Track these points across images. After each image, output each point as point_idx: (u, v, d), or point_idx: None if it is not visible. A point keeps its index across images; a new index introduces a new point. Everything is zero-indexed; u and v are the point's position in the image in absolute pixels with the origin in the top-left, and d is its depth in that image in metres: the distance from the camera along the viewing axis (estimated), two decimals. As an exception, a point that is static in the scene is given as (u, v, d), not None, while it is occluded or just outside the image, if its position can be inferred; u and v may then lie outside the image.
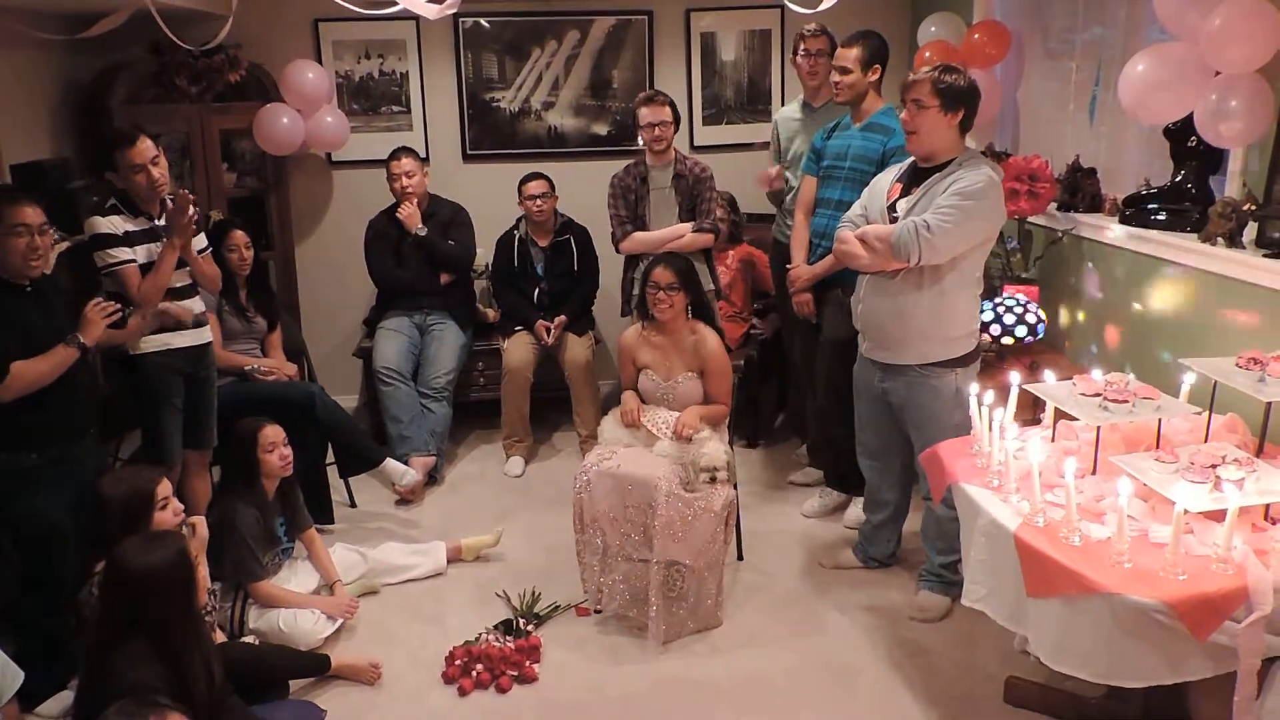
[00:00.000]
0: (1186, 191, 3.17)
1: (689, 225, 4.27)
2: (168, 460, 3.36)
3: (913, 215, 2.96)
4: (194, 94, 4.56)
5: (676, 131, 4.23)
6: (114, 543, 2.42)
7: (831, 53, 3.98)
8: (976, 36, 4.20)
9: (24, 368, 2.75)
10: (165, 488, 2.83)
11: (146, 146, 3.25)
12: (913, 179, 3.06)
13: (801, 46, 4.08)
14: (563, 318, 4.65)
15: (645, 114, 4.18)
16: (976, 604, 2.49)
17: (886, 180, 3.18)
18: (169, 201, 3.38)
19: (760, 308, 4.91)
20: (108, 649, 2.29)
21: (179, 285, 3.38)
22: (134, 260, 3.23)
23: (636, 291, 4.45)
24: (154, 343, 3.33)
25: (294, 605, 3.24)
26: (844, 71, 3.64)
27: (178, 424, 3.41)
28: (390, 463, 4.11)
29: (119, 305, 3.05)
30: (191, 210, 3.28)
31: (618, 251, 4.44)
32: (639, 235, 4.34)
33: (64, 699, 2.88)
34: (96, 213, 3.26)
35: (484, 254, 4.91)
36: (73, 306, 2.99)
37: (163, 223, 3.34)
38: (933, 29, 4.48)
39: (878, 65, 3.66)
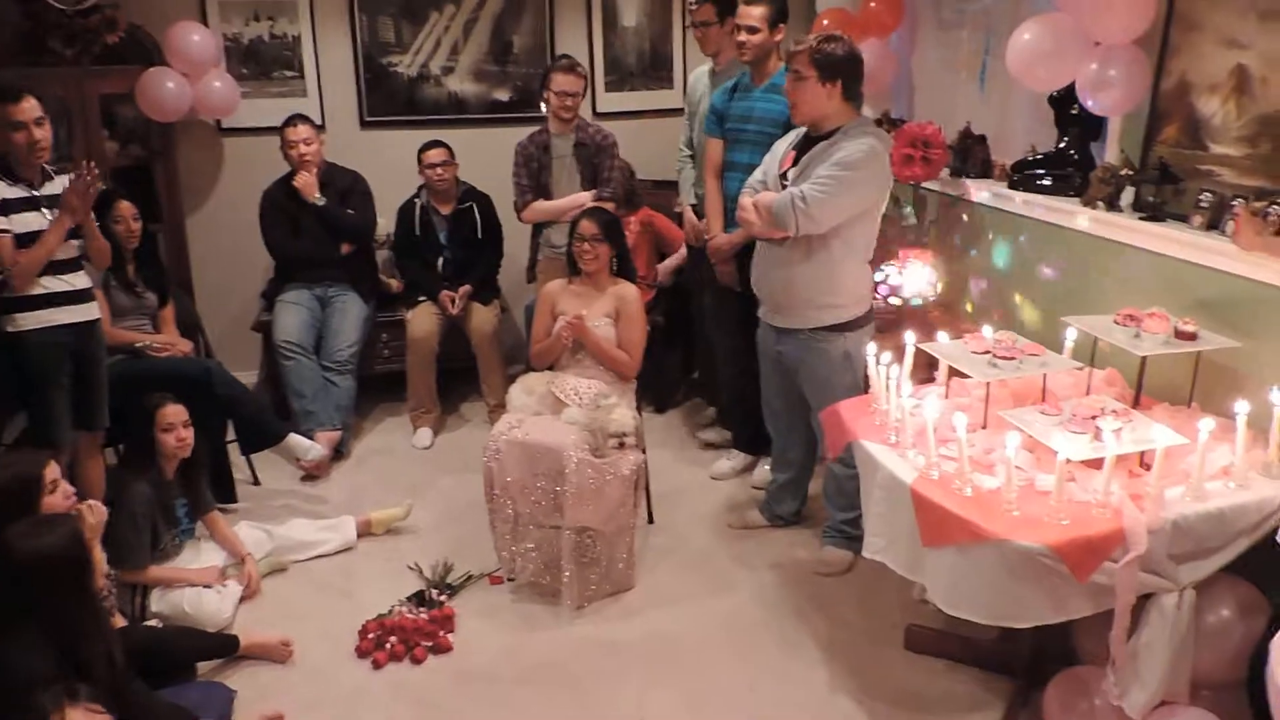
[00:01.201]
0: (1069, 158, 3.30)
1: (590, 194, 4.28)
2: (56, 442, 3.22)
3: (796, 184, 3.03)
4: (69, 56, 4.33)
5: (582, 100, 4.21)
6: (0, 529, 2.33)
7: (719, 21, 4.01)
8: (873, 4, 4.27)
9: None
10: (53, 470, 2.71)
11: (31, 105, 3.09)
12: (803, 147, 3.12)
13: (689, 19, 4.09)
14: (467, 287, 4.61)
15: (561, 81, 4.16)
16: (876, 555, 2.58)
17: (783, 147, 3.24)
18: (49, 170, 3.22)
19: (669, 284, 4.90)
20: (-1, 638, 2.22)
21: (64, 258, 3.22)
22: (9, 231, 3.07)
23: (541, 257, 4.46)
24: (37, 319, 3.18)
25: (175, 582, 3.18)
26: (751, 31, 3.65)
27: (66, 404, 3.27)
28: (294, 437, 4.04)
29: None
30: (92, 190, 3.14)
31: (520, 220, 4.42)
32: (540, 204, 4.34)
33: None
34: None
35: (385, 223, 4.82)
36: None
37: (42, 192, 3.18)
38: (832, -4, 4.53)
39: (782, 24, 3.70)
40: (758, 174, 3.28)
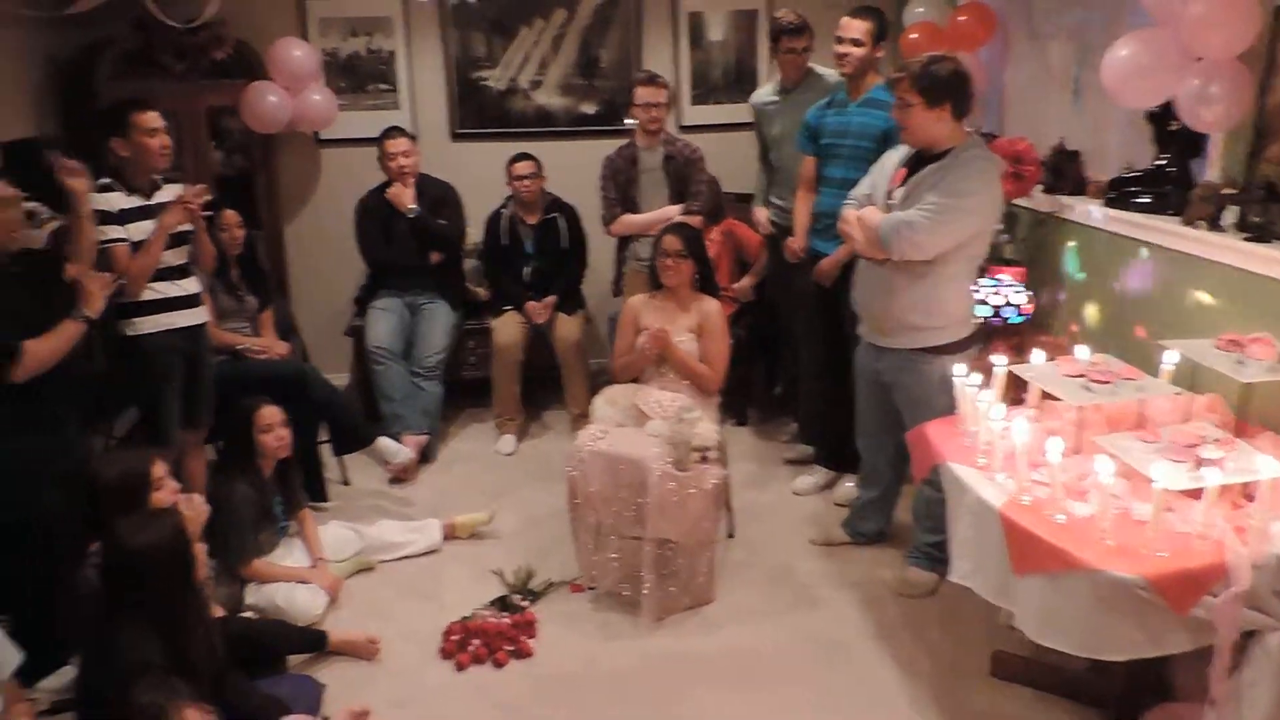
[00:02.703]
0: (1168, 175, 3.21)
1: (678, 208, 4.31)
2: (166, 440, 3.37)
3: (903, 206, 2.99)
4: (180, 71, 4.54)
5: (669, 114, 4.25)
6: (109, 524, 2.44)
7: (810, 42, 4.01)
8: (962, 18, 4.23)
9: (35, 346, 2.75)
10: (160, 468, 2.83)
11: (156, 114, 3.26)
12: (914, 166, 3.08)
13: (784, 43, 4.07)
14: (552, 297, 4.68)
15: (643, 94, 4.21)
16: (963, 580, 2.55)
17: (892, 162, 3.19)
18: (158, 180, 3.37)
19: (753, 300, 4.90)
20: (109, 627, 2.32)
21: (175, 264, 3.38)
22: (125, 240, 3.22)
23: (626, 270, 4.50)
24: (153, 323, 3.33)
25: (282, 579, 3.29)
26: (855, 44, 3.63)
27: (175, 404, 3.42)
28: (383, 441, 4.14)
29: (116, 275, 3.05)
30: (200, 202, 3.33)
31: (608, 233, 4.47)
32: (628, 217, 4.39)
33: (64, 674, 2.90)
34: (91, 189, 3.24)
35: (473, 233, 4.92)
36: (59, 281, 2.98)
37: (154, 201, 3.33)
38: (919, 10, 4.50)
39: (884, 41, 3.68)
40: (864, 186, 3.24)
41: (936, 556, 3.33)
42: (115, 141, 3.23)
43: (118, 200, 3.22)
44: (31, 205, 3.37)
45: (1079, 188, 3.69)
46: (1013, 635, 2.87)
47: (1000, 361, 2.78)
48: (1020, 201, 3.88)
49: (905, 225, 2.92)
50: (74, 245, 3.03)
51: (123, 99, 3.39)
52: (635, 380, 3.67)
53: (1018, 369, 2.79)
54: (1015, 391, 3.01)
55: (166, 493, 2.81)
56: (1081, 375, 2.64)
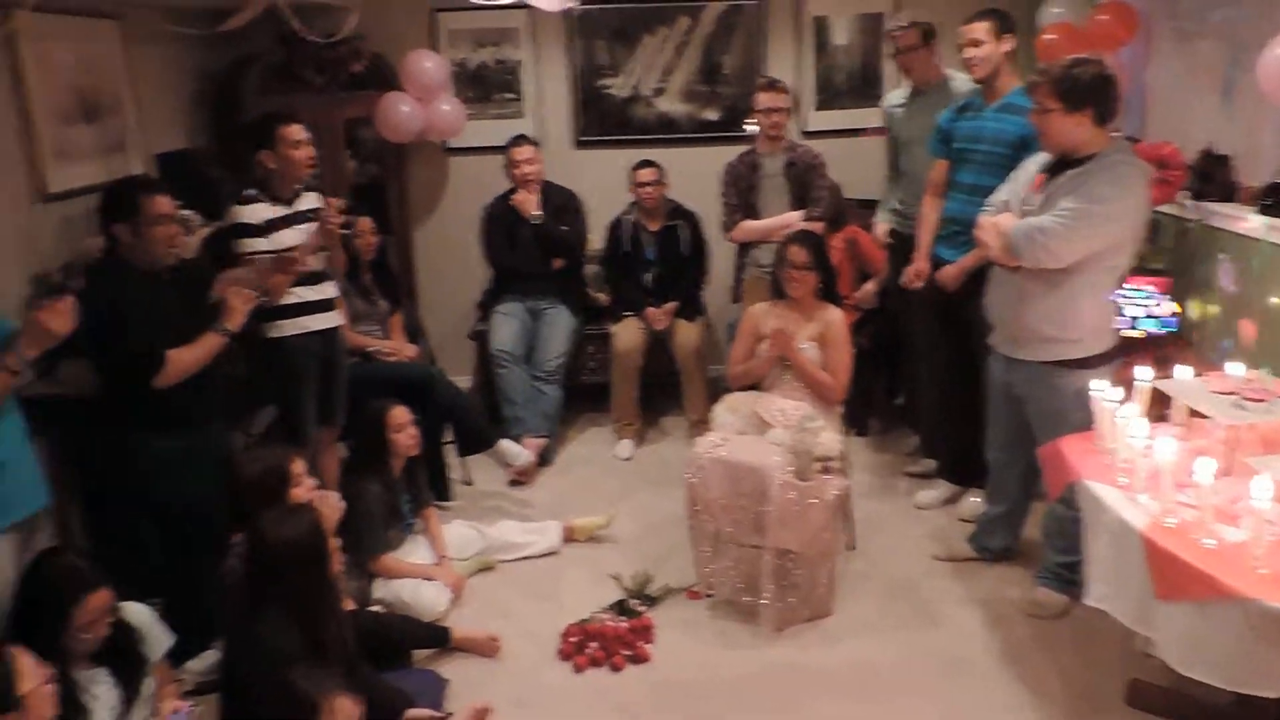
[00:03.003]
0: (1332, 181, 3.03)
1: (798, 214, 4.27)
2: (304, 438, 3.52)
3: (1040, 212, 2.89)
4: (320, 84, 4.74)
5: (791, 119, 4.22)
6: (252, 517, 2.55)
7: (924, 44, 3.93)
8: (1102, 18, 4.06)
9: (178, 355, 2.89)
10: (299, 465, 2.95)
11: (301, 127, 3.41)
12: (1053, 171, 2.97)
13: (892, 45, 4.01)
14: (673, 304, 4.70)
15: (764, 99, 4.19)
16: (1100, 603, 2.45)
17: (1033, 167, 3.08)
18: (299, 190, 3.52)
19: (874, 308, 4.82)
20: (250, 616, 2.43)
21: (314, 269, 3.52)
22: (269, 251, 3.36)
23: (746, 277, 4.48)
24: (293, 326, 3.47)
25: (411, 576, 3.38)
26: (976, 44, 3.53)
27: (313, 403, 3.57)
28: (505, 443, 4.23)
29: (258, 294, 3.20)
30: (339, 221, 3.49)
31: (728, 240, 4.46)
32: (748, 224, 4.37)
33: (208, 658, 3.06)
34: (238, 201, 3.41)
35: (595, 239, 4.98)
36: (206, 290, 3.14)
37: (295, 209, 3.47)
38: (1055, 10, 4.34)
39: (1010, 35, 3.54)
40: (1002, 193, 3.14)
41: (1067, 578, 3.20)
42: (263, 154, 3.38)
43: (263, 211, 3.37)
44: (185, 214, 3.58)
45: (1229, 194, 3.51)
46: (1150, 663, 2.75)
47: (1143, 376, 2.65)
48: (1164, 208, 3.71)
49: (1038, 231, 2.81)
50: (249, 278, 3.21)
51: (269, 113, 3.55)
52: (755, 388, 3.65)
53: (1162, 384, 2.66)
54: (1158, 408, 2.87)
55: (304, 489, 2.93)
56: (1234, 392, 2.50)
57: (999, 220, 2.98)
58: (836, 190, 4.80)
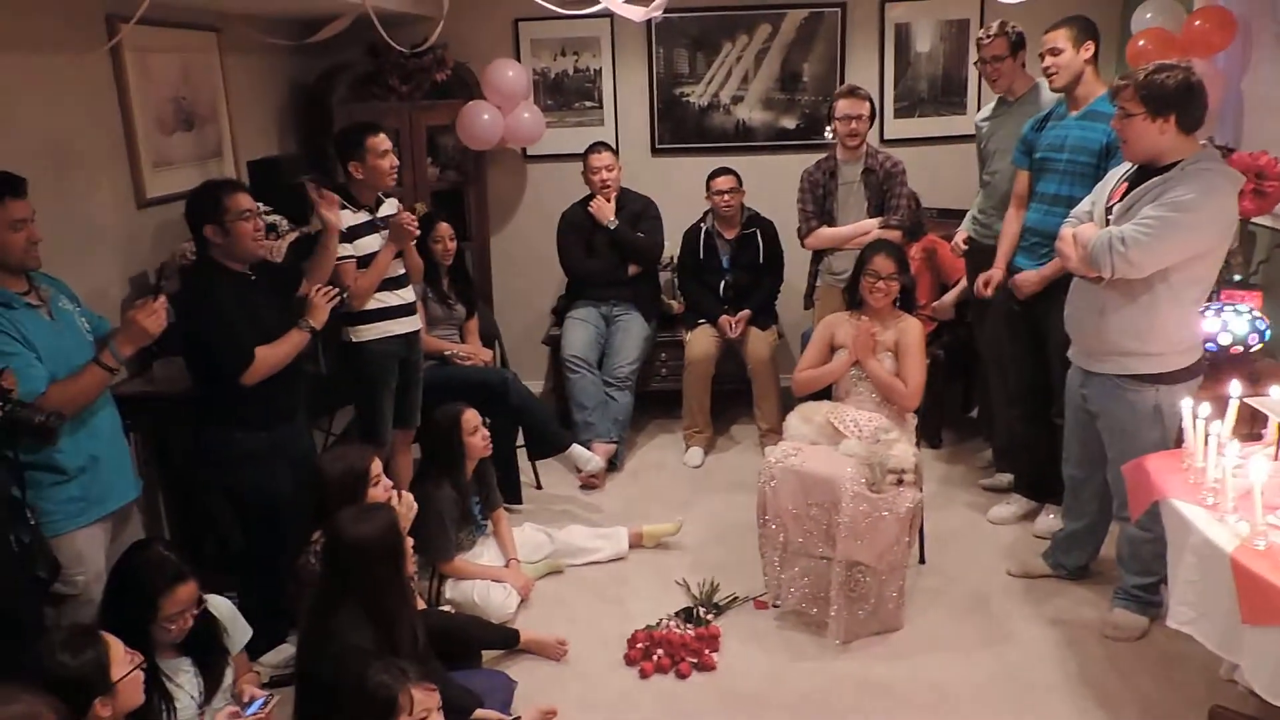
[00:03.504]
0: None
1: (875, 221, 4.23)
2: (381, 440, 3.60)
3: (1121, 221, 2.82)
4: (404, 93, 4.85)
5: (871, 127, 4.18)
6: (331, 515, 2.62)
7: (1011, 54, 3.86)
8: (1198, 23, 3.93)
9: (266, 353, 2.99)
10: (377, 465, 3.02)
11: (386, 135, 3.50)
12: (1136, 179, 2.89)
13: (979, 52, 3.95)
14: (746, 311, 4.69)
15: (843, 106, 4.16)
16: (1184, 626, 2.37)
17: (1116, 176, 3.00)
18: (381, 198, 3.60)
19: (953, 319, 4.75)
20: (326, 611, 2.48)
21: (396, 274, 3.60)
22: (353, 256, 3.45)
23: (820, 284, 4.45)
24: (375, 330, 3.56)
25: (481, 577, 3.43)
26: (1055, 52, 3.45)
27: (390, 406, 3.65)
28: (576, 448, 4.26)
29: (339, 290, 3.29)
30: (414, 229, 3.56)
31: (804, 247, 4.43)
32: (825, 231, 4.34)
33: (284, 651, 3.15)
34: (310, 186, 3.47)
35: (670, 246, 4.99)
36: (293, 292, 3.23)
37: (378, 215, 3.56)
38: (1148, 15, 4.22)
39: (1090, 41, 3.45)
40: (1085, 204, 3.07)
41: (1145, 600, 3.12)
42: (352, 164, 3.47)
43: (347, 218, 3.45)
44: (273, 219, 3.70)
45: (1330, 206, 3.37)
46: (1234, 690, 2.67)
47: (1235, 393, 2.56)
48: (1261, 220, 3.57)
49: (1118, 240, 2.74)
50: (315, 265, 3.29)
51: (356, 124, 3.65)
52: (824, 397, 3.62)
53: (1256, 401, 2.57)
54: (1250, 426, 2.77)
55: (381, 489, 2.99)
56: (1330, 412, 2.39)
57: (1080, 231, 2.91)
58: (914, 200, 4.74)
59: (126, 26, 2.89)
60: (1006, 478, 4.15)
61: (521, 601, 3.48)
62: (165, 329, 2.72)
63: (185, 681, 2.49)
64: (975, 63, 4.04)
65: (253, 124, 4.43)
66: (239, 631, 2.73)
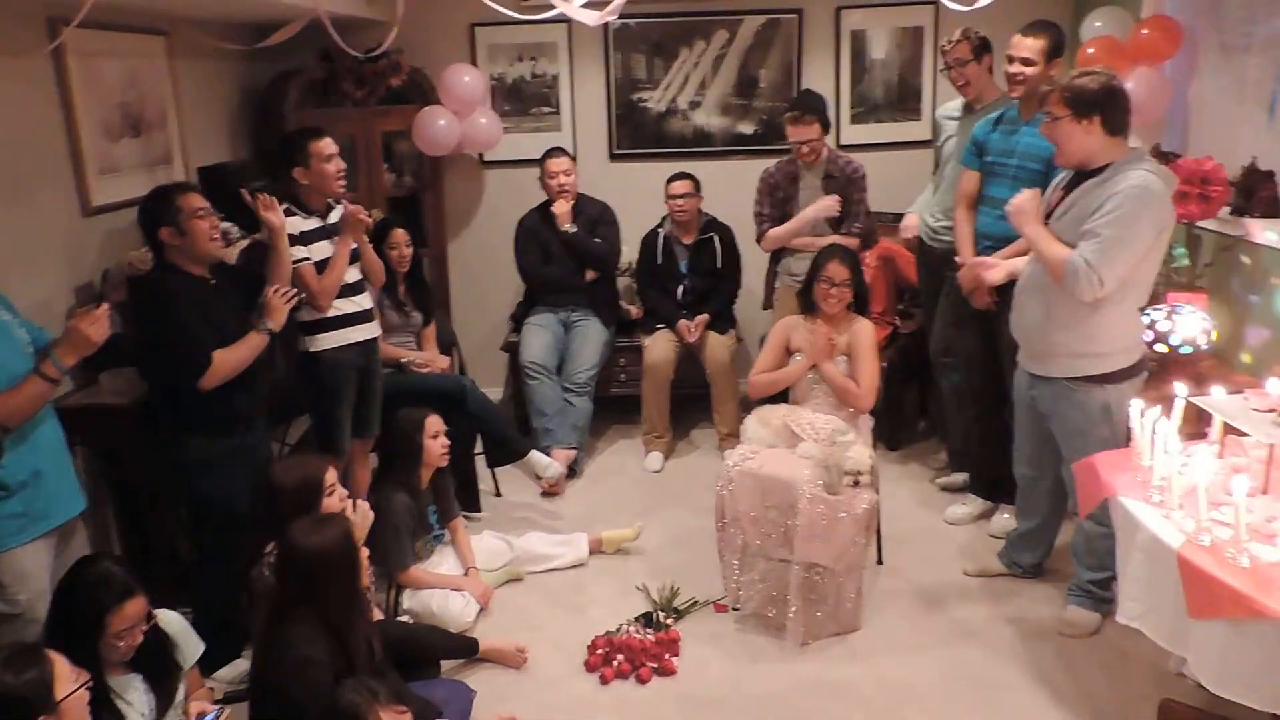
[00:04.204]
0: (1378, 196, 2.97)
1: (829, 200, 4.20)
2: (338, 450, 3.56)
3: (1061, 222, 2.90)
4: (358, 98, 4.80)
5: (826, 134, 4.20)
6: (286, 526, 2.58)
7: (976, 58, 3.90)
8: (1145, 32, 4.01)
9: (223, 356, 2.96)
10: (332, 475, 2.98)
11: (331, 140, 3.47)
12: (1072, 184, 2.97)
13: (943, 60, 3.99)
14: (705, 316, 4.70)
15: (792, 133, 4.17)
16: (1133, 622, 2.41)
17: (1051, 187, 3.09)
18: (331, 204, 3.57)
19: (904, 308, 4.83)
20: (280, 623, 2.45)
21: (352, 280, 3.57)
22: (309, 259, 3.42)
23: (778, 285, 4.46)
24: (332, 339, 3.51)
25: (438, 586, 3.40)
26: (1027, 63, 3.50)
27: (348, 416, 3.60)
28: (535, 455, 4.24)
29: (297, 290, 3.25)
30: (365, 218, 3.52)
31: (761, 248, 4.44)
32: (774, 231, 4.32)
33: (238, 666, 3.10)
34: (250, 193, 3.44)
35: (629, 252, 4.99)
36: (252, 297, 3.19)
37: (330, 221, 3.53)
38: (1097, 24, 4.29)
39: (1058, 59, 3.53)
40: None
41: (1099, 595, 3.18)
42: (296, 170, 3.44)
43: (298, 223, 3.42)
44: (225, 225, 3.64)
45: (1273, 210, 3.45)
46: (1183, 683, 2.73)
47: (1180, 392, 2.61)
48: (1205, 224, 3.65)
49: (1089, 268, 2.79)
50: (272, 269, 3.25)
51: (299, 129, 3.62)
52: (781, 400, 3.64)
53: (1200, 401, 2.62)
54: (1195, 425, 2.82)
55: (336, 499, 2.96)
56: (1272, 410, 2.44)
57: (1048, 256, 2.93)
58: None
59: (68, 29, 2.82)
60: (962, 476, 4.20)
61: (481, 610, 3.46)
62: (111, 339, 2.66)
63: (136, 699, 2.44)
64: (942, 70, 4.07)
65: (203, 130, 4.36)
66: (191, 646, 2.67)
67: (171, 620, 2.63)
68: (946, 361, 4.07)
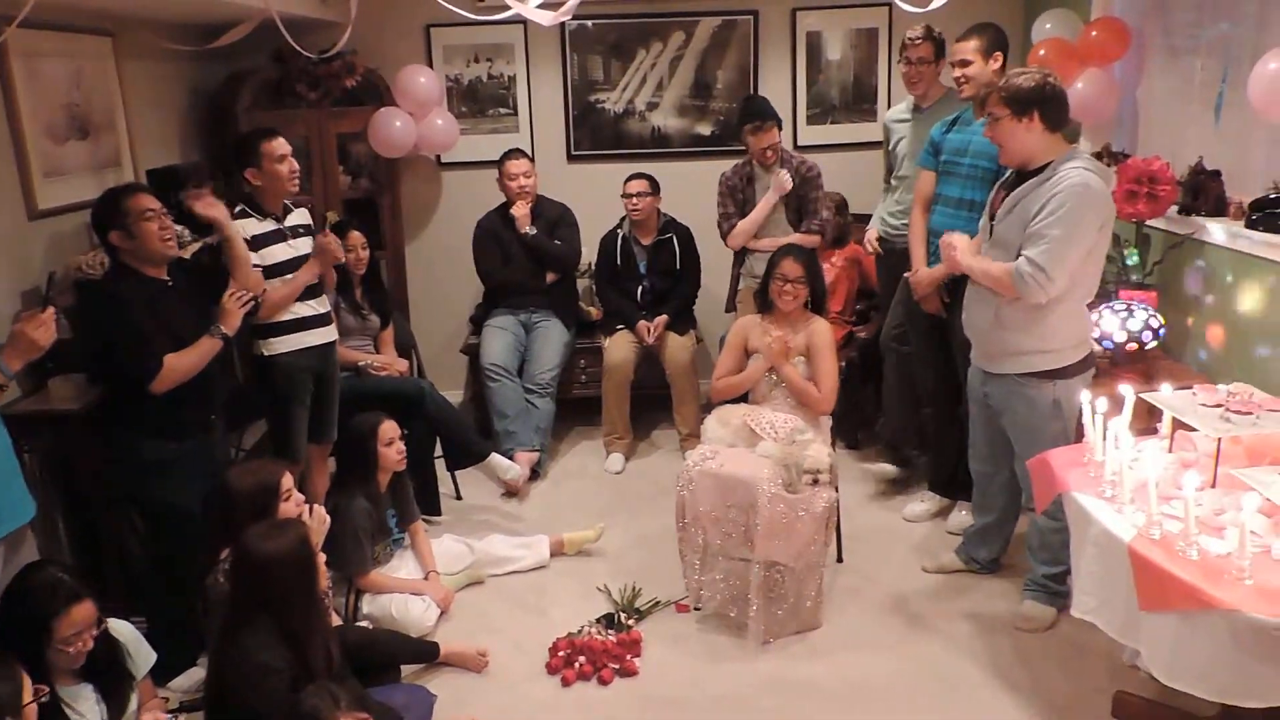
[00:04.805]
0: (1319, 194, 3.04)
1: (786, 178, 4.27)
2: (295, 455, 3.52)
3: (1003, 222, 2.96)
4: (312, 99, 4.75)
5: (781, 132, 4.24)
6: (241, 532, 2.54)
7: (935, 59, 3.96)
8: (1094, 34, 4.08)
9: (175, 360, 2.92)
10: (288, 480, 2.94)
11: (283, 141, 3.42)
12: (1013, 184, 3.02)
13: (904, 54, 4.03)
14: (664, 317, 4.70)
15: (753, 143, 4.23)
16: (1087, 615, 2.44)
17: (994, 190, 3.14)
18: (289, 205, 3.53)
19: (863, 309, 4.87)
20: (236, 630, 2.41)
21: (310, 284, 3.52)
22: (259, 265, 3.37)
23: (742, 287, 4.48)
24: (288, 343, 3.47)
25: (398, 590, 3.37)
26: (964, 64, 3.56)
27: (305, 420, 3.56)
28: (496, 457, 4.22)
29: (253, 295, 3.21)
30: (338, 252, 3.53)
31: (728, 246, 4.45)
32: (740, 225, 4.35)
33: (194, 675, 3.05)
34: (190, 193, 3.39)
35: (588, 253, 4.99)
36: (207, 300, 3.14)
37: (286, 224, 3.48)
38: (1048, 26, 4.36)
39: (999, 53, 3.57)
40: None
41: (1054, 589, 3.22)
42: (248, 171, 3.39)
43: (251, 226, 3.38)
44: (175, 229, 3.58)
45: (1219, 209, 3.52)
46: (1136, 675, 2.77)
47: (1130, 389, 2.65)
48: (1154, 223, 3.72)
49: (1037, 272, 2.83)
50: (233, 270, 3.20)
51: (251, 130, 3.58)
52: (743, 401, 3.65)
53: (1150, 397, 2.67)
54: (1146, 421, 2.87)
55: (292, 504, 2.92)
56: (1220, 405, 2.49)
57: (996, 269, 2.97)
58: (843, 206, 4.82)
59: (10, 29, 2.76)
60: (893, 469, 4.24)
61: (442, 614, 3.43)
62: (58, 344, 2.61)
63: (87, 710, 2.39)
64: (899, 62, 4.11)
65: (153, 132, 4.29)
66: (143, 655, 2.63)
67: (123, 628, 2.59)
68: (895, 347, 4.08)
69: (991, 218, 3.07)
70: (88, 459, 3.14)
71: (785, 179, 4.26)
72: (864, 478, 4.43)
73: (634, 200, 4.70)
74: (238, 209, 3.40)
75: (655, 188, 4.75)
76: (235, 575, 2.50)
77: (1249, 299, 3.30)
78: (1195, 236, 3.54)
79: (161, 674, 2.84)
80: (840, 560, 3.71)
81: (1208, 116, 3.75)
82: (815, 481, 3.20)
